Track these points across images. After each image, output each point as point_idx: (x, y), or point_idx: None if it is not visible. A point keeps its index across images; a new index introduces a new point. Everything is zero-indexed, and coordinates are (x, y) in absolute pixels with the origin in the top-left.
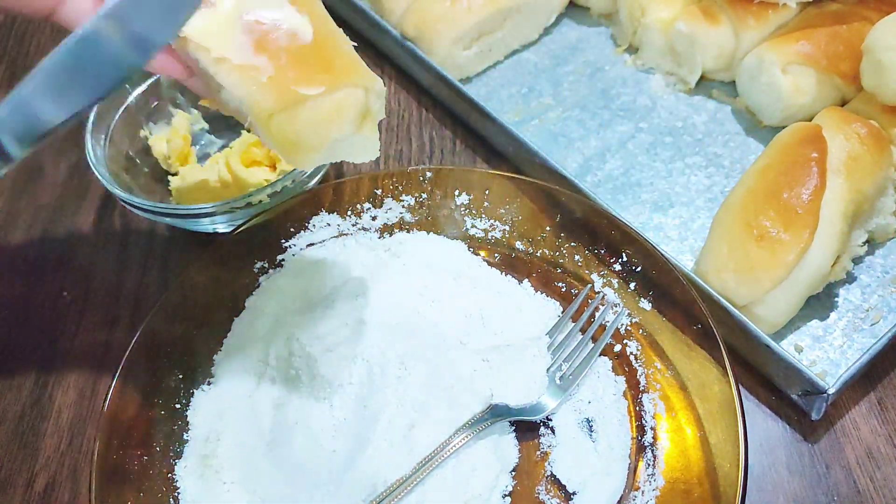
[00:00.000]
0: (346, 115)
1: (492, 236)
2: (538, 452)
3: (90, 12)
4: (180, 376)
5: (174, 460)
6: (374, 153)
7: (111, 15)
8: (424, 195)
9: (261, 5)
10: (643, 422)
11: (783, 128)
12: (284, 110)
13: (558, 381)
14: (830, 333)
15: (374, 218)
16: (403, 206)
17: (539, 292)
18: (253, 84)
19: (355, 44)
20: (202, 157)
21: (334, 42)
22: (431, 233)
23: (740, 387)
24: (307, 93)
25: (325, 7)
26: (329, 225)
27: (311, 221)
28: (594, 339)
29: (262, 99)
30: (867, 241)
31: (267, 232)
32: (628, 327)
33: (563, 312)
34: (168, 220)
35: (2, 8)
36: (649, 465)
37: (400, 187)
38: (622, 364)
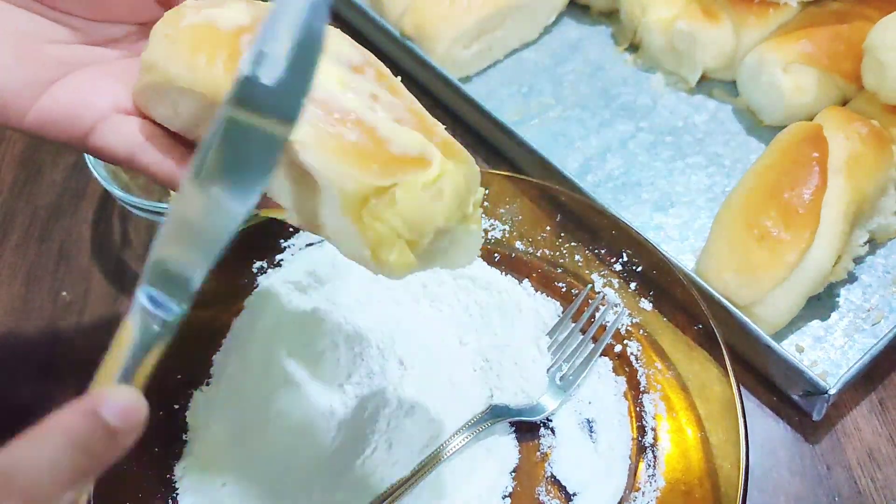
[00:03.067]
0: (451, 196)
1: (492, 236)
2: (538, 453)
3: (133, 135)
4: (179, 376)
5: (173, 461)
6: (475, 253)
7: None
8: None
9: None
10: (644, 422)
11: (784, 127)
12: (381, 193)
13: (558, 382)
14: (831, 334)
15: None
16: None
17: (539, 292)
18: (343, 155)
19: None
20: None
21: (424, 118)
22: None
23: (741, 387)
24: (412, 156)
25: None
26: None
27: None
28: (594, 339)
29: (355, 175)
30: (868, 241)
31: (266, 232)
32: (629, 327)
33: (563, 312)
34: None
35: (36, 133)
36: (650, 465)
37: None
38: (623, 364)
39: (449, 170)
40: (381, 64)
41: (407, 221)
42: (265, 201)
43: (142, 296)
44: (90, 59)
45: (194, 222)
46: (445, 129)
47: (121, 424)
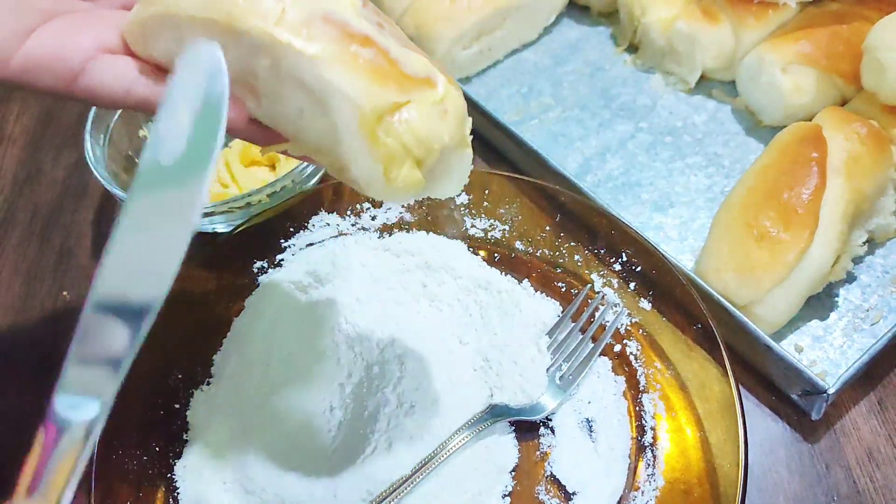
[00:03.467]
0: (455, 115)
1: (491, 236)
2: (538, 452)
3: (128, 70)
4: (180, 376)
5: (174, 460)
6: (465, 180)
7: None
8: None
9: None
10: (643, 422)
11: (783, 127)
12: (395, 110)
13: (558, 381)
14: (830, 333)
15: (373, 218)
16: (403, 206)
17: (539, 292)
18: (362, 71)
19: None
20: None
21: (418, 49)
22: (431, 232)
23: (740, 387)
24: (421, 77)
25: None
26: (328, 225)
27: (310, 221)
28: (594, 339)
29: (374, 91)
30: (867, 241)
31: (266, 232)
32: (628, 327)
33: (563, 312)
34: None
35: (22, 81)
36: (649, 465)
37: None
38: (622, 364)
39: (452, 91)
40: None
41: (418, 137)
42: (268, 137)
43: (57, 403)
44: (74, 8)
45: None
46: None
47: None
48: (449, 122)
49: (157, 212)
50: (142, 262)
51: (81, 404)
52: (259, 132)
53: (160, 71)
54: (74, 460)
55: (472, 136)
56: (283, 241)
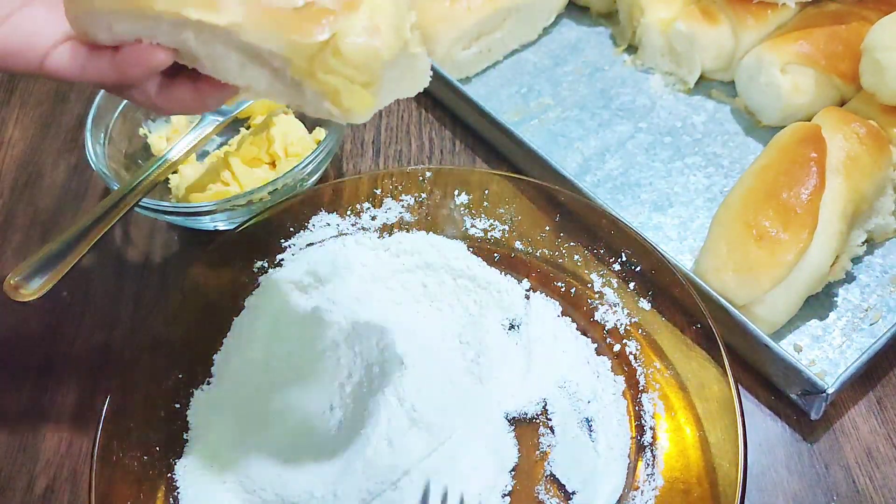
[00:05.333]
0: (387, 28)
1: (491, 236)
2: (537, 452)
3: (80, 55)
4: (180, 376)
5: (174, 460)
6: (426, 76)
7: None
8: (424, 195)
9: None
10: (642, 421)
11: (782, 128)
12: (324, 48)
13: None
14: (829, 333)
15: (373, 218)
16: (403, 206)
17: (538, 292)
18: (278, 25)
19: None
20: (202, 155)
21: None
22: (431, 233)
23: (739, 386)
24: (341, 4)
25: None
26: (329, 225)
27: (310, 221)
28: (593, 338)
29: (296, 39)
30: (866, 241)
31: (267, 231)
32: (627, 327)
33: (562, 312)
34: (168, 218)
35: None
36: (648, 464)
37: (399, 187)
38: (621, 364)
39: (377, 4)
40: None
41: (355, 65)
42: (227, 92)
43: None
44: None
45: None
46: (445, 129)
47: None
48: (383, 38)
49: None
50: None
51: None
52: (216, 87)
53: (107, 50)
54: None
55: (416, 31)
56: (283, 240)
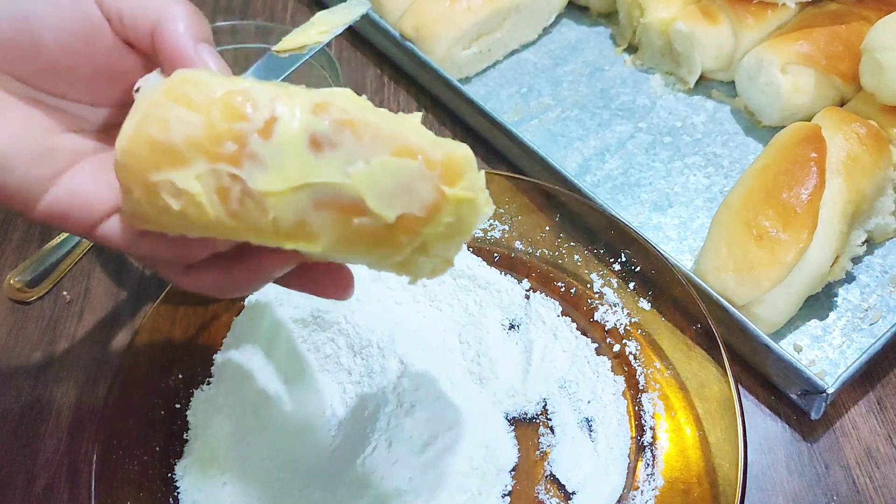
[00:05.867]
0: (467, 219)
1: (491, 236)
2: (537, 452)
3: (129, 236)
4: (180, 376)
5: (174, 460)
6: (486, 217)
7: None
8: None
9: None
10: (642, 421)
11: (782, 128)
12: (412, 251)
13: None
14: (829, 333)
15: None
16: None
17: (538, 292)
18: (361, 247)
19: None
20: None
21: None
22: None
23: (739, 386)
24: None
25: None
26: None
27: None
28: (593, 338)
29: (378, 259)
30: (866, 241)
31: None
32: (627, 327)
33: (561, 312)
34: None
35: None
36: (648, 464)
37: None
38: (621, 364)
39: (455, 199)
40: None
41: (440, 257)
42: (261, 278)
43: None
44: (98, 147)
45: None
46: (446, 129)
47: None
48: (465, 228)
49: None
50: None
51: None
52: (251, 272)
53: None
54: None
55: (478, 166)
56: None
